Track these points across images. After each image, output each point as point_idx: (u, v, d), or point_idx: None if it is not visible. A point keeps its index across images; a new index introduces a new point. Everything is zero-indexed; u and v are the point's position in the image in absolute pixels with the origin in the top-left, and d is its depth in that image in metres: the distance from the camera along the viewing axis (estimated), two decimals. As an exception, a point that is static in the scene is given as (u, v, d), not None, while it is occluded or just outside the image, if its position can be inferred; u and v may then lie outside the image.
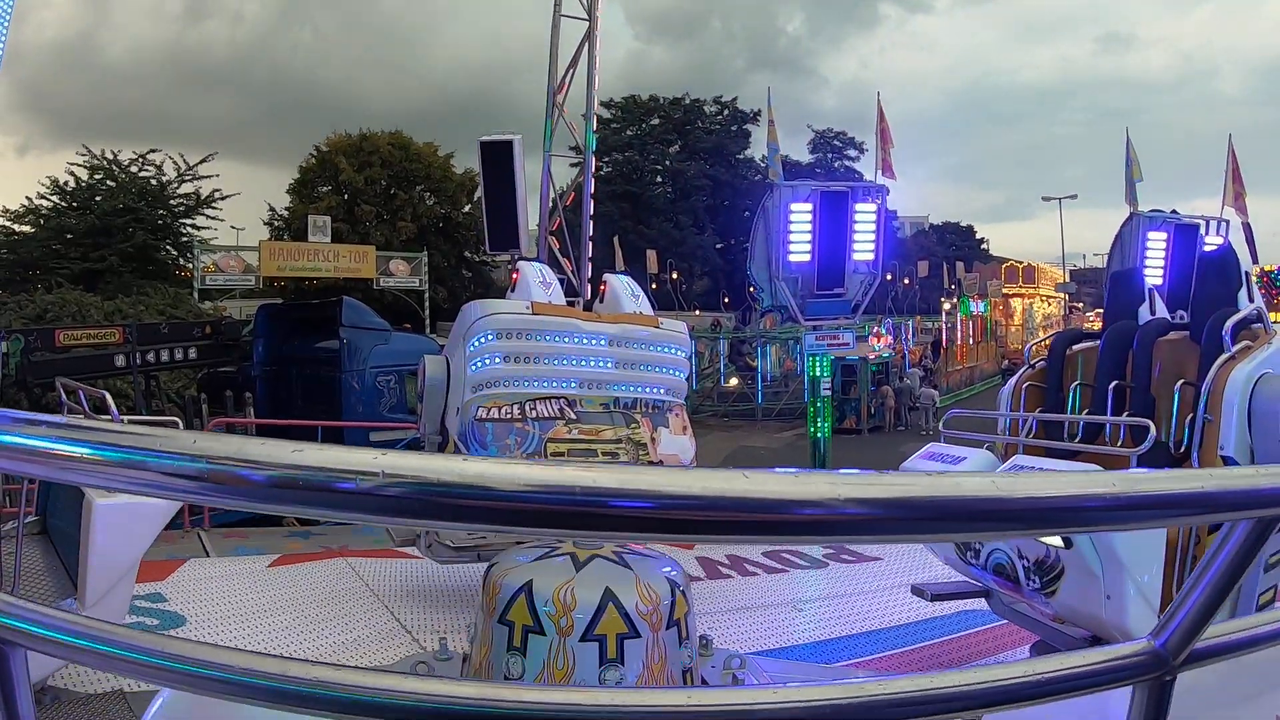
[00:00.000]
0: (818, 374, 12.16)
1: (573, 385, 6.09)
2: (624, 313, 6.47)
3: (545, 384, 6.00)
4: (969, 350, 42.46)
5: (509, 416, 5.83)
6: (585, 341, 6.17)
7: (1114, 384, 4.77)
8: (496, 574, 3.70)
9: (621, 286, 6.72)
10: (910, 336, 39.53)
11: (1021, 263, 57.22)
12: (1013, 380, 5.47)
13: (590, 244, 12.12)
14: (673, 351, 6.56)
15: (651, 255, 47.54)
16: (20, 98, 69.12)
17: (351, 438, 12.77)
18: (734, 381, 36.27)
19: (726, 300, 50.70)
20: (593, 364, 6.19)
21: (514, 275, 6.54)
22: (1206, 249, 11.75)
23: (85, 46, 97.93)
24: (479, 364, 5.84)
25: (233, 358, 16.15)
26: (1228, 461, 4.02)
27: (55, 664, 3.79)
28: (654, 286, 47.40)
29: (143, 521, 3.78)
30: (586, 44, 12.00)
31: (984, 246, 74.35)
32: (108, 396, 4.44)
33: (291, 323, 15.92)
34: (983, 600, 5.13)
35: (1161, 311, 5.20)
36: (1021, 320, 52.91)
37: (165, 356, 14.86)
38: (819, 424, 12.30)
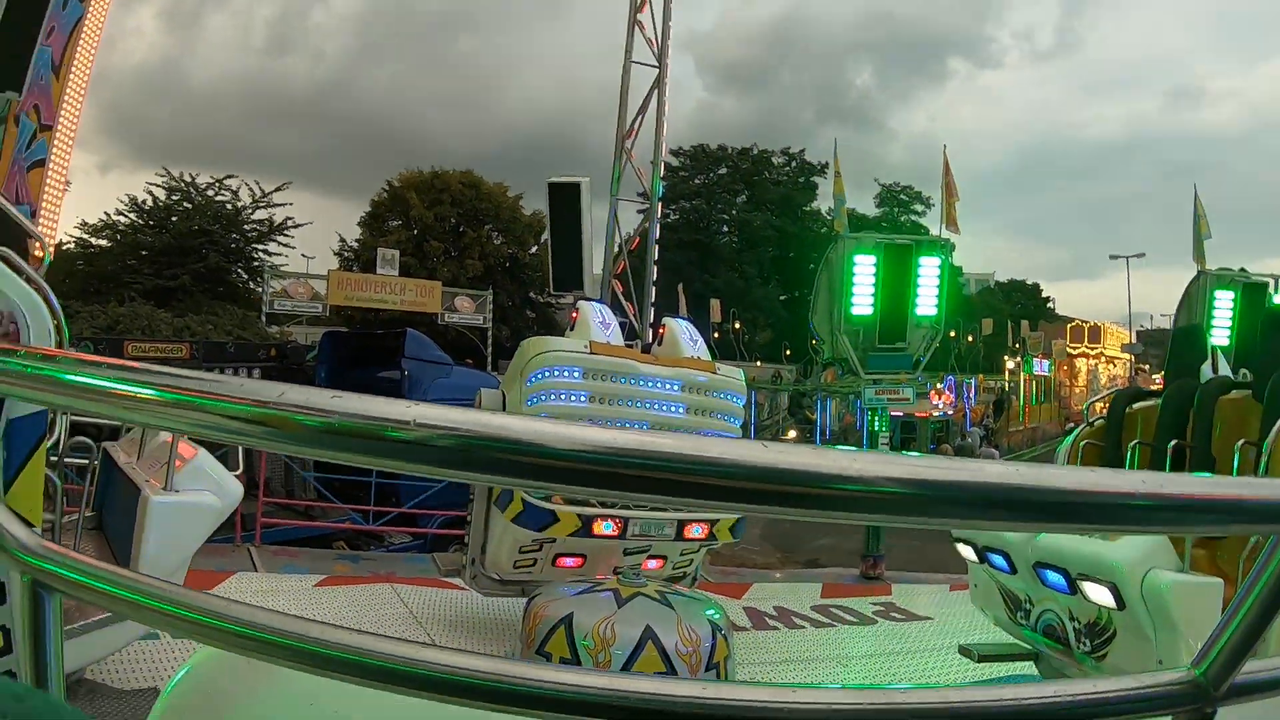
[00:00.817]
0: (875, 429, 12.01)
1: (628, 426, 6.07)
2: (683, 357, 6.44)
3: (600, 423, 5.99)
4: (1032, 410, 41.74)
5: None
6: (642, 383, 6.15)
7: (1174, 443, 4.62)
8: (538, 605, 3.71)
9: (680, 330, 6.70)
10: (972, 395, 38.99)
11: (1087, 322, 56.17)
12: (1071, 438, 5.34)
13: (654, 289, 12.20)
14: (729, 398, 6.52)
15: (715, 304, 47.55)
16: (105, 119, 71.87)
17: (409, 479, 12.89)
18: (792, 434, 36.06)
19: (789, 353, 50.39)
20: (648, 406, 6.16)
21: (573, 315, 6.58)
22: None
23: (171, 73, 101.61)
24: (535, 400, 5.83)
25: (296, 381, 16.42)
26: None
27: (93, 654, 3.84)
28: (716, 336, 47.33)
29: (195, 520, 3.90)
30: (656, 91, 12.16)
31: (1050, 305, 73.08)
32: None
33: (355, 350, 16.19)
34: (1031, 664, 5.01)
35: (1224, 370, 5.08)
36: (1086, 381, 51.80)
37: (230, 375, 15.16)
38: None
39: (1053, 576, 4.07)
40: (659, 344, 6.74)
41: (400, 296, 36.41)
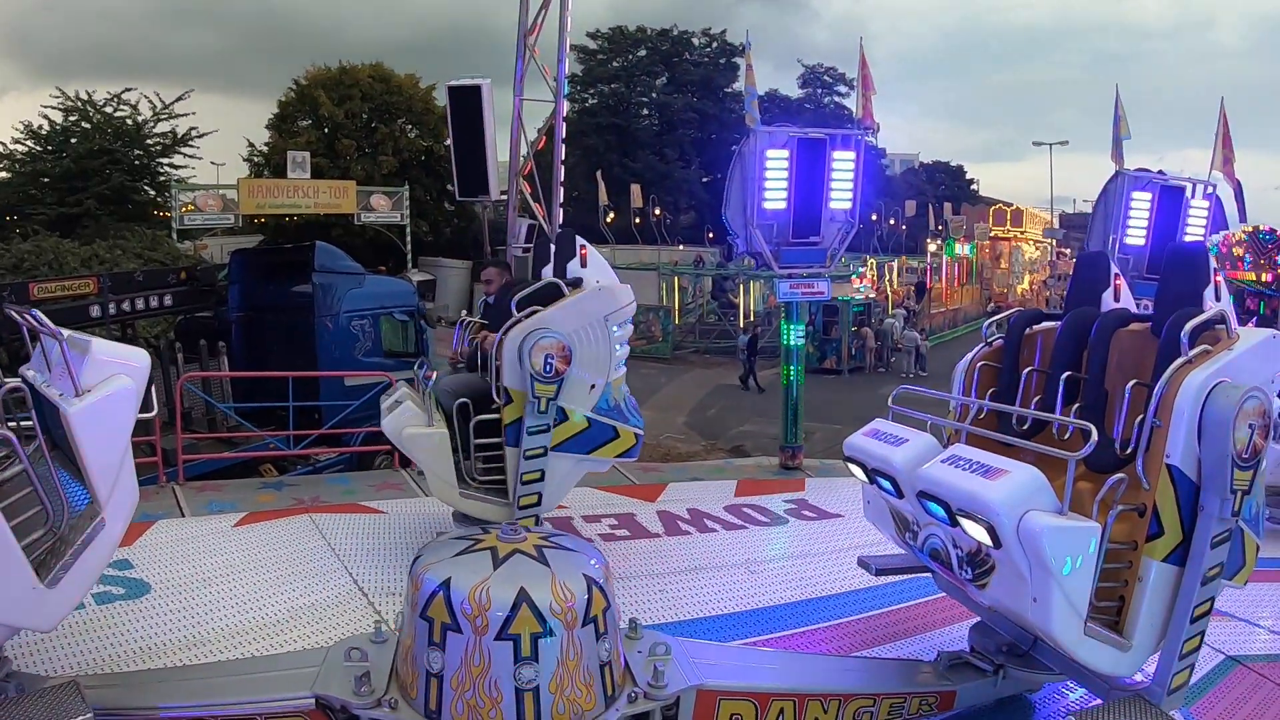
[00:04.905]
0: (790, 324, 12.13)
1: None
2: (618, 284, 7.04)
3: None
4: (953, 292, 42.48)
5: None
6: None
7: (1066, 375, 4.68)
8: (419, 568, 3.85)
9: (601, 259, 7.18)
10: (894, 277, 39.54)
11: (1010, 205, 57.05)
12: (967, 357, 5.34)
13: (561, 189, 12.00)
14: None
15: (636, 189, 47.29)
16: (-4, 42, 67.60)
17: (327, 386, 12.80)
18: (715, 318, 36.43)
19: (711, 235, 50.42)
20: None
21: (583, 251, 6.90)
22: (1185, 239, 11.68)
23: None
24: (621, 346, 6.71)
25: (209, 303, 16.02)
26: (1172, 470, 3.93)
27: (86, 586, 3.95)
28: (638, 221, 47.13)
29: (118, 408, 3.94)
30: (558, -15, 11.72)
31: (973, 187, 73.93)
32: (38, 313, 4.43)
33: (265, 268, 15.81)
34: (930, 574, 5.18)
35: (1126, 300, 5.08)
36: (1007, 264, 52.84)
37: (141, 305, 14.61)
38: (791, 372, 12.29)
39: (934, 508, 4.15)
40: (583, 265, 6.93)
41: (314, 199, 35.65)
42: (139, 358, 4.12)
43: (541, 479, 6.43)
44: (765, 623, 6.36)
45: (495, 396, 6.37)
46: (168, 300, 15.26)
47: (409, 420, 6.66)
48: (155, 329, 18.81)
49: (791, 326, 12.05)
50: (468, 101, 10.89)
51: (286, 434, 11.50)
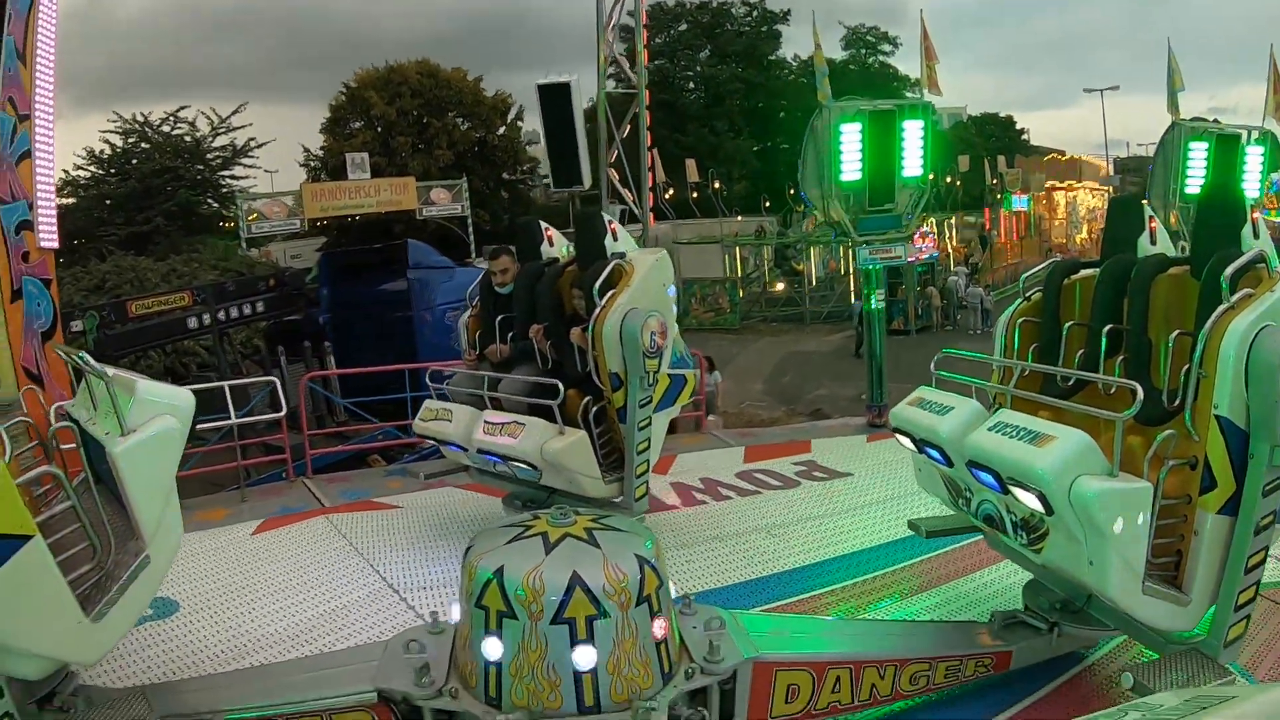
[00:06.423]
0: (870, 290, 12.45)
1: None
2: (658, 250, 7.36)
3: None
4: (1013, 246, 42.10)
5: None
6: None
7: (1109, 328, 4.55)
8: (473, 557, 3.88)
9: (625, 232, 7.55)
10: (955, 234, 39.31)
11: (1064, 155, 56.02)
12: (1007, 313, 5.19)
13: (650, 174, 12.35)
14: None
15: (691, 164, 47.18)
16: (42, 71, 68.42)
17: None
18: (780, 286, 36.54)
19: (767, 204, 50.24)
20: None
21: (612, 226, 7.22)
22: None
23: (99, 9, 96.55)
24: (674, 305, 6.94)
25: (297, 306, 16.50)
26: (1221, 421, 3.79)
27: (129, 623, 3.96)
28: (694, 195, 47.22)
29: (163, 448, 3.95)
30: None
31: (1025, 137, 72.39)
32: (85, 355, 4.47)
33: (352, 268, 16.36)
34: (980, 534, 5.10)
35: (1164, 243, 4.90)
36: (1065, 214, 52.04)
37: (235, 313, 15.15)
38: (873, 335, 12.65)
39: (985, 476, 4.10)
40: (615, 239, 7.16)
41: (376, 198, 36.17)
42: (183, 398, 4.15)
43: (649, 446, 6.57)
44: (799, 584, 6.39)
45: (600, 383, 6.43)
46: (259, 307, 15.85)
47: (542, 436, 6.36)
48: (239, 335, 19.20)
49: (872, 291, 12.38)
50: (556, 98, 11.27)
51: (405, 423, 12.00)
